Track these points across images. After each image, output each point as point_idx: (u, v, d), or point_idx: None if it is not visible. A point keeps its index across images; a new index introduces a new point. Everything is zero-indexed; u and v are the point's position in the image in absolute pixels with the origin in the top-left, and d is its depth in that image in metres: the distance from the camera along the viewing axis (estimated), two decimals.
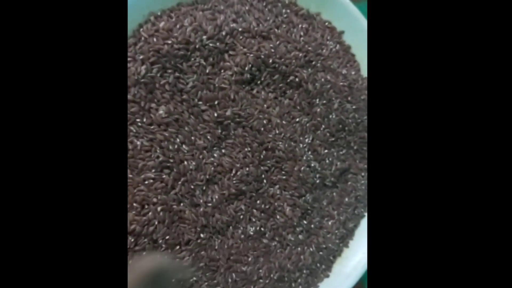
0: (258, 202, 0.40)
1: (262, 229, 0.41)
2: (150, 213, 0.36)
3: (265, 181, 0.40)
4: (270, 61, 0.40)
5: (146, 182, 0.36)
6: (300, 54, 0.41)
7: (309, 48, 0.42)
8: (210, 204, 0.38)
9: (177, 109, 0.37)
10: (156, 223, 0.37)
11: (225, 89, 0.38)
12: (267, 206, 0.41)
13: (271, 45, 0.40)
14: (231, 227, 0.40)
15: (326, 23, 0.46)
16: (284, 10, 0.42)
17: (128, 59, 0.36)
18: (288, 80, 0.41)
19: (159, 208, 0.37)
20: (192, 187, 0.38)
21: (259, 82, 0.40)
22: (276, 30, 0.41)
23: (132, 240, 0.36)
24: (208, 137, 0.38)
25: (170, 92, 0.37)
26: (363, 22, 0.42)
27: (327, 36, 0.45)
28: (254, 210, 0.40)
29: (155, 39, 0.37)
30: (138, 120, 0.37)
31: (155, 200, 0.37)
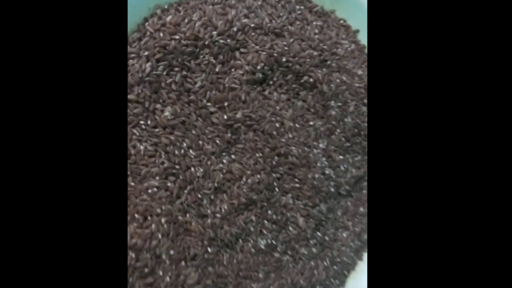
0: (269, 212, 0.38)
1: (274, 242, 0.38)
2: (153, 226, 0.33)
3: (277, 189, 0.38)
4: (284, 59, 0.38)
5: (149, 191, 0.34)
6: (315, 53, 0.39)
7: (324, 47, 0.40)
8: (218, 215, 0.36)
9: (184, 111, 0.35)
10: (160, 236, 0.33)
11: (235, 90, 0.36)
12: (279, 217, 0.38)
13: (285, 43, 0.38)
14: (240, 240, 0.37)
15: (341, 21, 0.43)
16: (297, 7, 0.40)
17: (132, 55, 0.34)
18: (302, 81, 0.39)
19: (163, 220, 0.34)
20: (199, 196, 0.35)
21: (271, 82, 0.38)
22: (289, 27, 0.39)
23: (133, 255, 0.32)
24: (217, 141, 0.36)
25: (176, 92, 0.35)
26: None
27: (342, 35, 0.42)
28: (265, 221, 0.38)
29: (161, 34, 0.34)
30: (141, 122, 0.34)
31: (158, 210, 0.34)
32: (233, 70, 0.37)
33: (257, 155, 0.37)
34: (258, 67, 0.37)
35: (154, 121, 0.34)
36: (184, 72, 0.35)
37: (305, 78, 0.39)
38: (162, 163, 0.34)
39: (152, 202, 0.34)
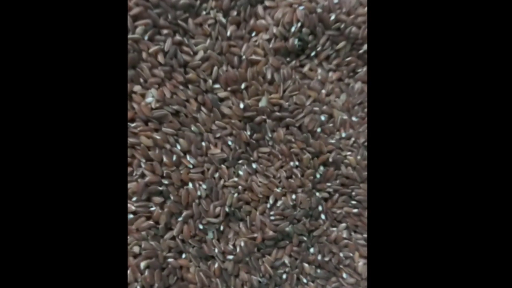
0: (311, 251, 0.33)
1: None
2: (128, 273, 0.29)
3: (323, 216, 0.33)
4: (332, 18, 0.32)
5: None
6: None
7: None
8: (231, 257, 0.31)
9: (177, 96, 0.30)
10: None
11: (257, 64, 0.31)
12: (326, 258, 0.33)
13: None
14: None
15: None
16: None
17: None
18: (361, 51, 0.34)
19: (143, 264, 0.29)
20: (201, 226, 0.30)
21: (313, 53, 0.33)
22: None
23: None
24: (229, 142, 0.31)
25: (166, 67, 0.30)
26: None
27: None
28: (305, 265, 0.32)
29: None
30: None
31: (136, 249, 0.29)
32: (253, 34, 0.32)
33: (292, 164, 0.32)
34: (293, 29, 0.31)
35: (130, 111, 0.29)
36: (177, 37, 0.30)
37: (366, 47, 0.33)
38: (142, 175, 0.29)
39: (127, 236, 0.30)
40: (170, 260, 0.30)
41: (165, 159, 0.29)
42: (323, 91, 0.33)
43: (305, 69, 0.33)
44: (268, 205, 0.31)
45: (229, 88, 0.31)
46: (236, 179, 0.31)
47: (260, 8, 0.31)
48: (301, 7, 0.31)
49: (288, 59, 0.32)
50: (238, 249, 0.30)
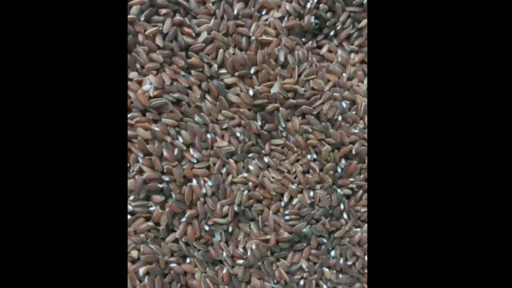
0: (332, 254, 0.31)
1: None
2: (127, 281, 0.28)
3: (345, 215, 0.31)
4: None
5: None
6: None
7: None
8: (241, 261, 0.29)
9: (178, 83, 0.28)
10: None
11: (268, 45, 0.29)
12: (349, 262, 0.31)
13: None
14: None
15: None
16: None
17: None
18: None
19: (142, 270, 0.27)
20: (207, 228, 0.29)
21: (332, 32, 0.31)
22: None
23: None
24: (238, 134, 0.30)
25: (165, 51, 0.28)
26: None
27: None
28: (326, 270, 0.31)
29: None
30: None
31: (134, 254, 0.28)
32: (264, 11, 0.30)
33: (309, 157, 0.30)
34: (309, 5, 0.30)
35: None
36: (177, 17, 0.28)
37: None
38: (140, 171, 0.28)
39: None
40: (172, 265, 0.28)
41: (165, 153, 0.28)
42: (344, 74, 0.30)
43: (323, 50, 0.31)
44: (283, 204, 0.29)
45: (236, 73, 0.29)
46: (245, 174, 0.29)
47: None
48: None
49: (303, 39, 0.31)
50: (249, 253, 0.29)
